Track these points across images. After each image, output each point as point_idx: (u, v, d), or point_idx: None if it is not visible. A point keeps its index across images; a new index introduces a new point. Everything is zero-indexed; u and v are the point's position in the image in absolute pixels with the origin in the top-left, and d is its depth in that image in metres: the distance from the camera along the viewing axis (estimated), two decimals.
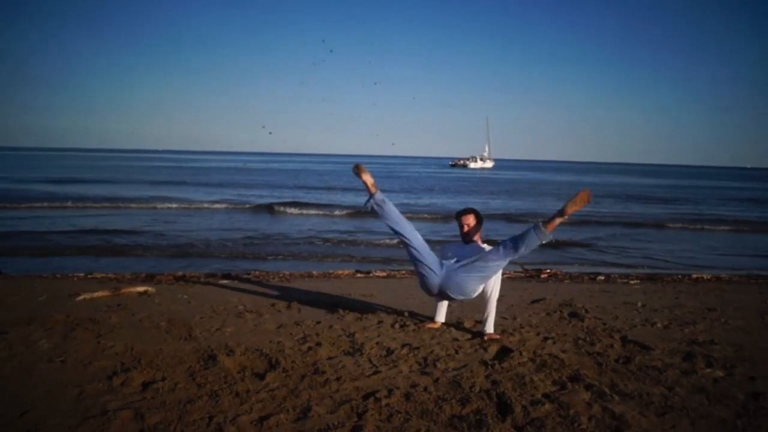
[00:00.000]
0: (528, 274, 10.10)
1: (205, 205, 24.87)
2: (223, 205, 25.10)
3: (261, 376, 4.10)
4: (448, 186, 47.67)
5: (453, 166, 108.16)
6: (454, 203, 29.76)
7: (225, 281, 8.45)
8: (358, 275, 9.66)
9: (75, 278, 8.64)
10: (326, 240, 15.76)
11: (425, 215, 23.42)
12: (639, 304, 7.05)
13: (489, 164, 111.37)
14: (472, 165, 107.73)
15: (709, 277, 10.17)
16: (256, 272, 9.76)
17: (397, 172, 71.53)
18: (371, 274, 9.76)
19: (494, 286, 5.33)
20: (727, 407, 3.74)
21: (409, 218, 5.63)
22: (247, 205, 25.40)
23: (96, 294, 6.74)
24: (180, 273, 9.34)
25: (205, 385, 3.91)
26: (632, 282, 9.42)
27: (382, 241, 15.18)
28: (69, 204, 23.28)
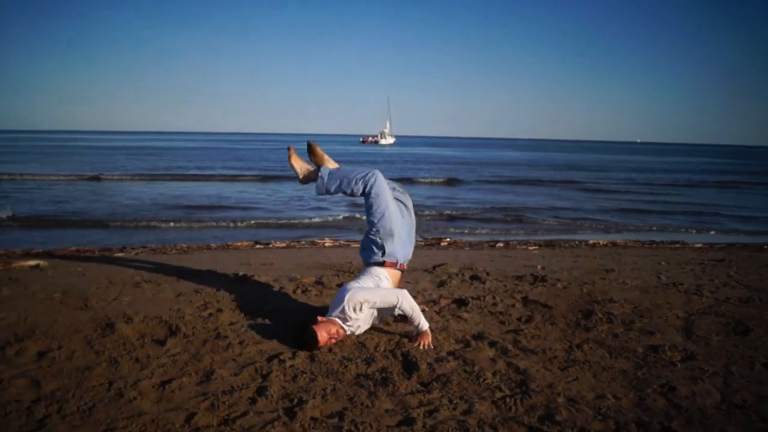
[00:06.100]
0: (427, 243, 10.31)
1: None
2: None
3: (161, 343, 4.07)
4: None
5: (363, 142, 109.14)
6: None
7: (121, 254, 8.24)
8: (258, 246, 9.61)
9: None
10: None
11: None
12: (539, 267, 7.26)
13: (391, 140, 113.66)
14: (382, 141, 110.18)
15: (605, 243, 10.72)
16: (153, 245, 9.55)
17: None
18: (270, 245, 9.72)
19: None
20: (627, 360, 3.96)
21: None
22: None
23: None
24: (74, 248, 9.02)
25: (103, 353, 3.86)
26: (531, 248, 9.80)
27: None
28: None
